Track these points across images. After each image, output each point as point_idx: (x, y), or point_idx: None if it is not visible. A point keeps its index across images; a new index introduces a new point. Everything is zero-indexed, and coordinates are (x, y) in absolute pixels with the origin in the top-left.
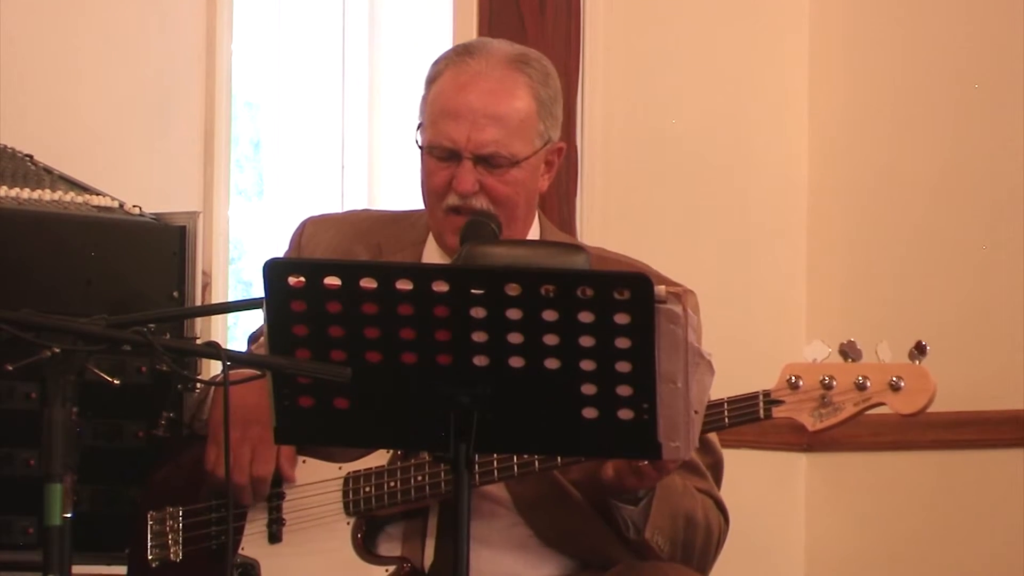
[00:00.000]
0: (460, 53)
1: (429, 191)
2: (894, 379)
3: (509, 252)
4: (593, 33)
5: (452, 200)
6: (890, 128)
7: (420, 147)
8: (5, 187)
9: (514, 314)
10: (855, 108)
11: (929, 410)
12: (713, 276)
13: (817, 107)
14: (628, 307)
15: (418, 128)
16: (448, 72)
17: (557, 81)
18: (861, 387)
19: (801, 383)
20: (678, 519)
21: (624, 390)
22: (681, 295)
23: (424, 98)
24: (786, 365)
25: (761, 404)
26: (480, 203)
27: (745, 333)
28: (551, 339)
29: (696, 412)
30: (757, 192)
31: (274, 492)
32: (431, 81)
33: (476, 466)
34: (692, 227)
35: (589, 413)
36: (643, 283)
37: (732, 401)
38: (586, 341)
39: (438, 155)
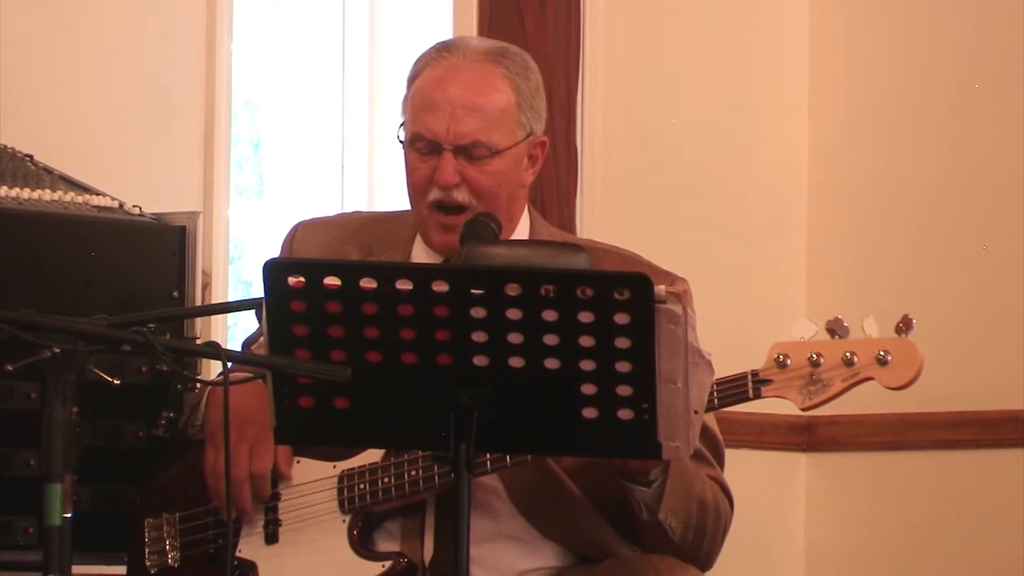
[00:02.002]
0: (439, 50)
1: (412, 187)
2: (881, 353)
3: (509, 252)
4: (593, 33)
5: (434, 194)
6: (890, 128)
7: (402, 143)
8: (5, 187)
9: (514, 314)
10: (855, 108)
11: (929, 410)
12: (713, 275)
13: (817, 107)
14: (628, 307)
15: (401, 126)
16: (427, 69)
17: (538, 75)
18: (849, 363)
19: (789, 361)
20: (691, 502)
21: (624, 390)
22: (681, 295)
23: (406, 97)
24: (774, 344)
25: (750, 383)
26: (461, 196)
27: (745, 332)
28: (551, 339)
29: (696, 412)
30: (757, 191)
31: (270, 493)
32: (412, 79)
33: None
34: (692, 226)
35: (589, 413)
36: (643, 283)
37: (721, 382)
38: (586, 341)
39: (419, 148)
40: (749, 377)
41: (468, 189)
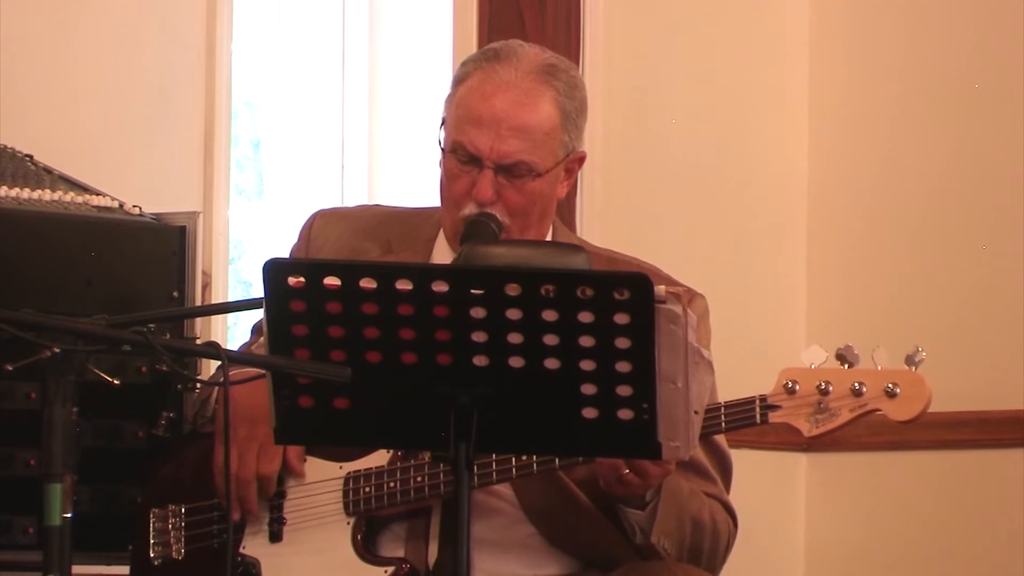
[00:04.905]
0: (489, 58)
1: (449, 196)
2: (890, 386)
3: (509, 252)
4: (593, 33)
5: (469, 210)
6: (890, 128)
7: (442, 148)
8: (5, 187)
9: (514, 314)
10: (855, 108)
11: (929, 410)
12: (713, 276)
13: (817, 107)
14: (628, 307)
15: (441, 125)
16: (475, 76)
17: (584, 91)
18: (857, 393)
19: (798, 388)
20: (684, 523)
21: (624, 390)
22: (681, 295)
23: (450, 97)
24: (783, 370)
25: (758, 409)
26: (496, 213)
27: (745, 333)
28: (551, 339)
29: (696, 412)
30: (757, 192)
31: (276, 491)
32: (458, 82)
33: (475, 467)
34: (692, 227)
35: (589, 413)
36: (643, 283)
37: (729, 405)
38: (586, 341)
39: (460, 158)
40: (757, 402)
41: (504, 206)
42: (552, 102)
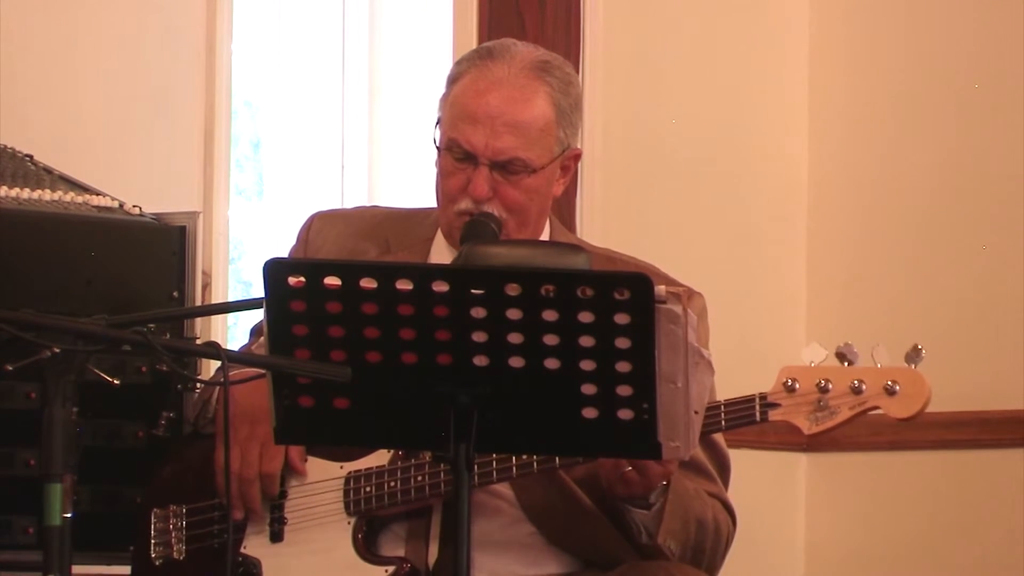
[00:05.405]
0: (483, 56)
1: (444, 192)
2: (889, 383)
3: (509, 252)
4: (593, 33)
5: (465, 204)
6: (890, 128)
7: (437, 146)
8: (5, 187)
9: (514, 314)
10: (855, 108)
11: (929, 410)
12: (712, 276)
13: (817, 107)
14: (628, 307)
15: (436, 124)
16: (470, 75)
17: (578, 87)
18: (857, 391)
19: (797, 386)
20: (690, 523)
21: (624, 390)
22: (681, 295)
23: (444, 96)
24: (783, 368)
25: (757, 407)
26: (493, 209)
27: (745, 333)
28: (551, 339)
29: (696, 412)
30: (757, 192)
31: (279, 491)
32: (452, 81)
33: (475, 467)
34: (692, 227)
35: (589, 413)
36: (643, 283)
37: (729, 404)
38: (586, 341)
39: (456, 155)
40: (757, 400)
41: (500, 203)
42: (546, 98)
